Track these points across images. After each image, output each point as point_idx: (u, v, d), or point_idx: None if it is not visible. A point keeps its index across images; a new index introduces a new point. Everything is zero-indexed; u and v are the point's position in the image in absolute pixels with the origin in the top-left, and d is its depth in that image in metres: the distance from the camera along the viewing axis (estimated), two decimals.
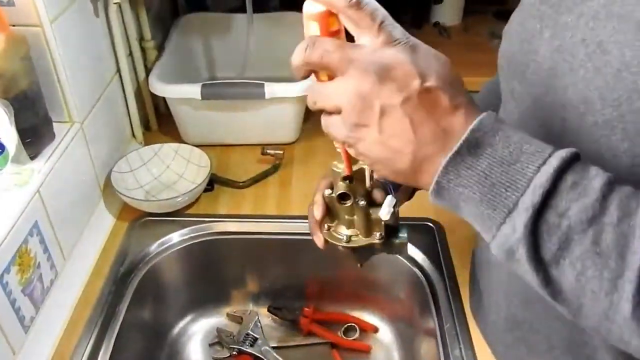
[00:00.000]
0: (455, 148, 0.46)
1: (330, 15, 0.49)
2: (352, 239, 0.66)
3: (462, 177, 0.46)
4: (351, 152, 0.51)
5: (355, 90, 0.46)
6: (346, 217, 0.65)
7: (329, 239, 0.68)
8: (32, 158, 0.90)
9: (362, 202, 0.62)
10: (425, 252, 1.04)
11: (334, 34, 0.49)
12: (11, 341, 0.80)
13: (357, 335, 1.17)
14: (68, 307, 0.93)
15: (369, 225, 0.64)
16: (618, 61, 0.49)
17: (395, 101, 0.46)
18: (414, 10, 1.75)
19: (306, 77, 0.51)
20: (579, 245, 0.43)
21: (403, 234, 0.66)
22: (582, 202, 0.43)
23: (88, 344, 0.88)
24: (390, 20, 0.48)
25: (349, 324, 1.18)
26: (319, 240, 0.69)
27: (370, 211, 0.63)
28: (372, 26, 0.47)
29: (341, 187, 0.62)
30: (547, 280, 0.46)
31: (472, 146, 0.45)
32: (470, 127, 0.46)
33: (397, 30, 0.48)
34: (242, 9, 1.38)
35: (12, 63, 0.84)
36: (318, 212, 0.68)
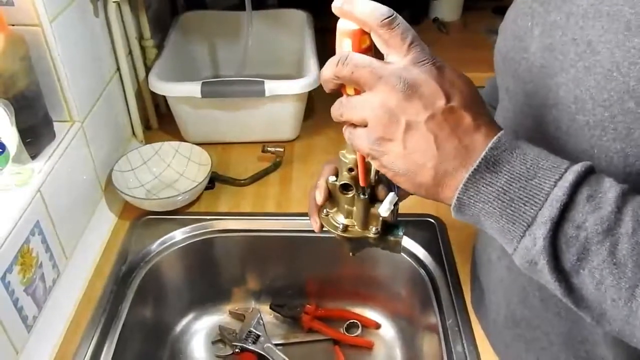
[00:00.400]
0: (474, 165, 0.47)
1: (363, 33, 0.50)
2: (348, 229, 0.66)
3: (482, 193, 0.48)
4: (374, 164, 0.52)
5: (383, 105, 0.48)
6: (346, 206, 0.66)
7: (325, 225, 0.68)
8: (33, 158, 0.90)
9: (364, 196, 0.63)
10: (426, 248, 1.04)
11: (365, 51, 0.51)
12: (14, 340, 0.80)
13: (359, 331, 1.17)
14: (70, 306, 0.93)
15: (367, 218, 0.65)
16: (608, 61, 0.49)
17: (421, 118, 0.48)
18: (413, 5, 1.76)
19: (334, 90, 0.53)
20: (596, 255, 0.45)
21: (399, 232, 0.66)
22: (598, 214, 0.44)
23: (90, 342, 0.88)
24: (418, 41, 0.49)
25: (351, 321, 1.18)
26: (315, 223, 0.71)
27: (370, 205, 0.64)
28: (402, 46, 0.49)
29: (345, 177, 0.62)
30: (570, 289, 0.47)
31: (491, 164, 0.47)
32: (489, 145, 0.47)
33: (425, 51, 0.49)
34: (240, 7, 1.38)
35: (12, 63, 0.84)
36: (320, 197, 0.69)
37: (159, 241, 1.07)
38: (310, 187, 0.72)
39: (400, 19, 0.49)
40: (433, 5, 1.78)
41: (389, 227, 0.66)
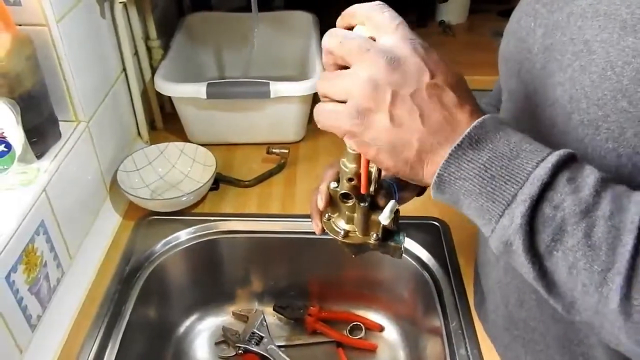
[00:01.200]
0: (457, 141, 0.47)
1: None
2: (349, 234, 0.67)
3: (463, 170, 0.47)
4: (353, 143, 0.51)
5: (369, 76, 0.48)
6: (347, 213, 0.66)
7: (326, 229, 0.69)
8: (39, 157, 0.91)
9: (364, 204, 0.63)
10: (430, 251, 1.04)
11: None
12: (18, 340, 0.81)
13: (362, 334, 1.17)
14: (74, 306, 0.93)
15: (368, 225, 0.65)
16: (603, 60, 0.49)
17: (406, 91, 0.48)
18: (419, 8, 1.76)
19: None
20: (571, 237, 0.44)
21: (399, 238, 0.66)
22: (576, 196, 0.44)
23: (94, 342, 0.89)
24: (406, 25, 0.50)
25: (355, 323, 1.18)
26: (316, 227, 0.71)
27: (371, 213, 0.64)
28: (390, 26, 0.50)
29: (345, 187, 0.62)
30: (542, 273, 0.47)
31: (474, 141, 0.47)
32: (474, 123, 0.47)
33: (413, 33, 0.50)
34: (246, 9, 1.38)
35: (18, 62, 0.84)
36: (321, 202, 0.69)
37: (163, 241, 1.07)
38: (313, 189, 0.72)
39: (390, 9, 0.51)
40: (439, 8, 1.78)
41: (389, 233, 0.66)
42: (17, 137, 0.84)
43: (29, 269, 0.83)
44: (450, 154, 0.47)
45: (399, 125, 0.48)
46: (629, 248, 0.42)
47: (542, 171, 0.45)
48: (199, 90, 1.17)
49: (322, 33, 1.36)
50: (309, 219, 0.73)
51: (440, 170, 0.48)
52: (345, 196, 0.64)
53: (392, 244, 0.66)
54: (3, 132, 0.83)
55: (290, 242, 1.12)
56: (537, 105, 0.58)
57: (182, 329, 1.17)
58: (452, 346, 0.89)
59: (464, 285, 0.97)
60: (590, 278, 0.44)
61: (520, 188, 0.45)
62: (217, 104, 1.20)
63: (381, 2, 0.51)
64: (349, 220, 0.66)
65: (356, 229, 0.66)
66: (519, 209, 0.45)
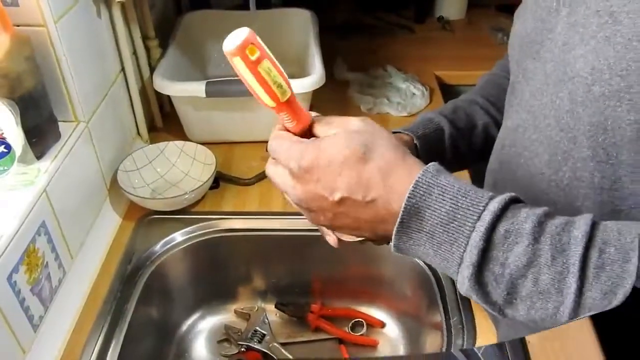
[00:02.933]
0: (398, 220, 0.51)
1: (245, 46, 0.54)
2: None
3: (414, 239, 0.52)
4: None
5: (307, 217, 0.59)
6: None
7: (341, 237, 0.67)
8: (38, 158, 0.91)
9: None
10: None
11: (257, 63, 0.55)
12: (21, 340, 0.81)
13: (364, 330, 1.17)
14: (76, 306, 0.93)
15: None
16: (629, 31, 0.49)
17: (327, 222, 0.56)
18: (417, 4, 1.75)
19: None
20: (523, 287, 0.49)
21: None
22: (516, 250, 0.48)
23: (97, 342, 0.89)
24: (286, 162, 0.56)
25: (356, 320, 1.18)
26: (331, 239, 0.70)
27: None
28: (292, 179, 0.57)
29: None
30: (503, 314, 0.52)
31: (413, 213, 0.51)
32: (407, 195, 0.50)
33: (293, 163, 0.55)
34: (244, 7, 1.38)
35: (17, 63, 0.84)
36: None
37: (163, 241, 1.07)
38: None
39: (280, 156, 0.57)
40: (437, 4, 1.77)
41: None
42: (16, 137, 0.84)
43: (30, 270, 0.83)
44: (396, 231, 0.52)
45: (349, 232, 0.58)
46: (573, 290, 0.46)
47: (477, 236, 0.48)
48: (198, 89, 1.17)
49: (321, 30, 1.37)
50: None
51: (394, 242, 0.53)
52: None
53: None
54: (2, 133, 0.83)
55: (292, 239, 1.12)
56: (557, 82, 0.57)
57: (184, 327, 1.17)
58: (450, 339, 0.89)
59: None
60: (546, 313, 0.49)
61: (464, 252, 0.49)
62: (216, 102, 1.20)
63: (274, 150, 0.57)
64: None
65: None
66: (465, 273, 0.49)
